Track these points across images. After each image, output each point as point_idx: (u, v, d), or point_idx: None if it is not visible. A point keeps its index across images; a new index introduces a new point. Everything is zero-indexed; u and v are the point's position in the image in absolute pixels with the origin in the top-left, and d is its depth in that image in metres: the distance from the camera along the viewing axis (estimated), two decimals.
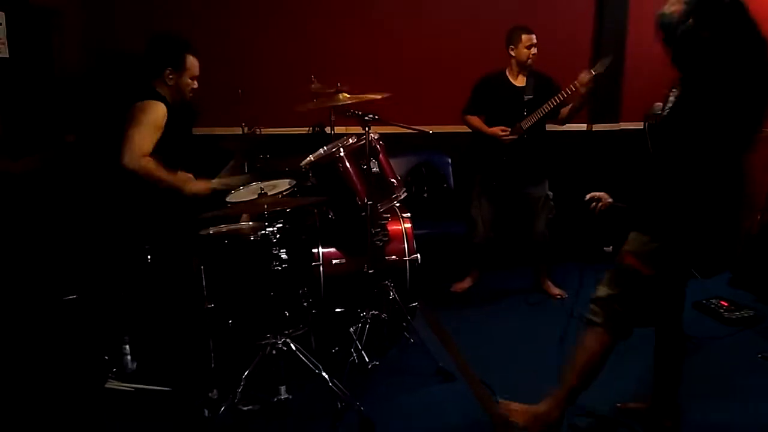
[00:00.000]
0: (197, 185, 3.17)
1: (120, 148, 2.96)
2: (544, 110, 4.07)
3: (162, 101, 3.07)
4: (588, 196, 2.97)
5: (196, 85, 3.20)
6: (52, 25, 4.03)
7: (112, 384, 3.10)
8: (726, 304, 4.08)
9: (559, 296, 4.47)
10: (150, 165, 3.00)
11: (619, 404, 2.99)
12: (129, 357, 3.21)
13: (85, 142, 4.12)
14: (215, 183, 3.25)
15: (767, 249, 4.31)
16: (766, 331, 3.83)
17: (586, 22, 5.08)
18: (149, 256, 3.09)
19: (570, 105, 4.10)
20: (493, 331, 3.95)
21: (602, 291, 2.57)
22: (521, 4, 4.88)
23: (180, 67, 3.11)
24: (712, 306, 4.07)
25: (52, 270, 3.51)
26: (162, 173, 3.03)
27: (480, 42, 4.83)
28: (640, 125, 4.90)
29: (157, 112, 3.02)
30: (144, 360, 3.22)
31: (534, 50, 4.13)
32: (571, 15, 5.04)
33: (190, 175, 3.18)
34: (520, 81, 4.24)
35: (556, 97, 4.02)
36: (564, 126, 4.32)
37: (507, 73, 4.26)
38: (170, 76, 3.10)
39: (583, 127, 5.12)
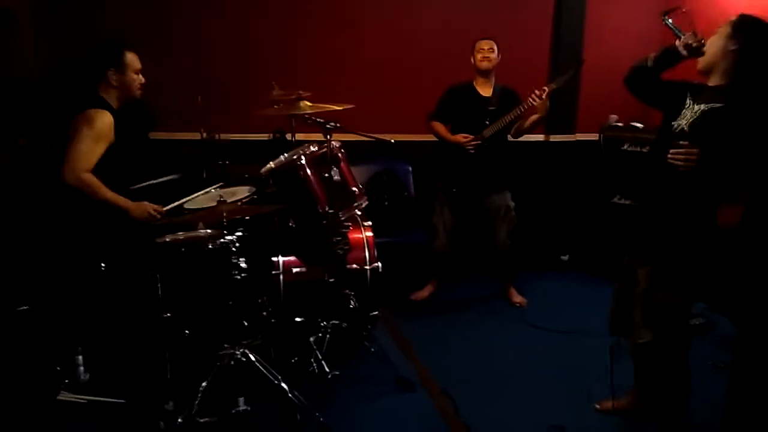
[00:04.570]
0: (143, 208, 3.06)
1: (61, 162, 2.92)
2: (504, 120, 4.15)
3: (106, 108, 3.01)
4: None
5: (143, 79, 3.14)
6: (7, 26, 3.91)
7: (65, 396, 3.01)
8: None
9: (519, 304, 4.51)
10: (90, 180, 2.95)
11: (597, 405, 3.05)
12: (82, 368, 3.11)
13: (37, 146, 4.00)
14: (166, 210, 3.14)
15: (719, 258, 4.42)
16: (718, 339, 3.93)
17: (543, 38, 5.19)
18: (103, 264, 3.01)
19: (525, 120, 4.20)
20: (453, 340, 3.97)
21: (646, 335, 2.64)
22: (481, 20, 4.92)
23: (121, 66, 3.06)
24: None
25: (3, 280, 3.39)
26: (103, 191, 2.98)
27: (441, 53, 4.88)
28: (595, 136, 5.06)
29: (101, 122, 2.96)
30: (97, 371, 3.13)
31: (485, 53, 4.21)
32: (529, 31, 5.14)
33: (144, 203, 3.10)
34: (486, 91, 4.31)
35: (517, 109, 4.11)
36: (521, 137, 4.39)
37: (474, 84, 4.34)
38: (114, 77, 3.05)
39: (541, 137, 5.21)
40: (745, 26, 2.42)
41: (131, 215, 3.04)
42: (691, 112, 2.50)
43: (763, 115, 2.39)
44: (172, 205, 3.18)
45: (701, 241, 2.56)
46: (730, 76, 2.46)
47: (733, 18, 2.46)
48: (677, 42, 2.54)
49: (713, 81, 2.52)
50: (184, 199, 3.23)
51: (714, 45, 2.47)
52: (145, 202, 3.09)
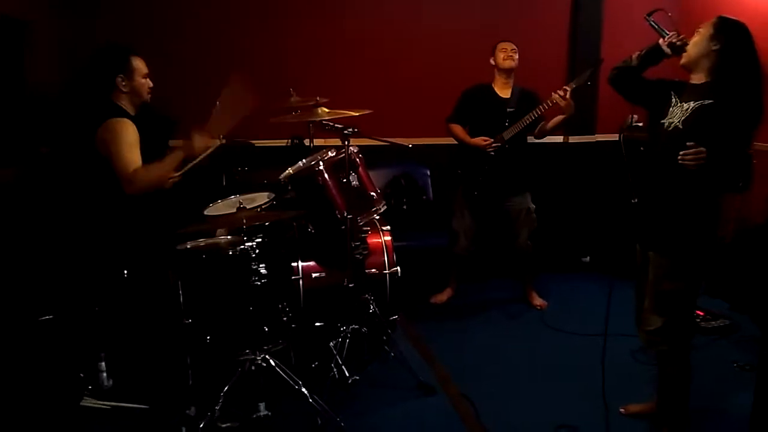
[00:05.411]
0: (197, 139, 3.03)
1: (111, 185, 2.95)
2: (524, 122, 4.13)
3: (125, 116, 3.04)
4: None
5: (150, 83, 3.16)
6: (25, 37, 3.97)
7: (88, 402, 3.05)
8: (702, 313, 4.11)
9: (539, 307, 4.49)
10: (143, 175, 2.94)
11: (622, 409, 3.07)
12: (105, 374, 3.16)
13: (59, 155, 4.06)
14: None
15: (741, 258, 4.37)
16: (741, 340, 3.89)
17: (561, 39, 5.17)
18: (126, 271, 3.04)
19: (548, 120, 4.18)
20: (473, 343, 3.95)
21: (655, 321, 2.70)
22: (498, 20, 4.95)
23: (129, 71, 3.08)
24: None
25: (27, 289, 3.44)
26: (163, 168, 2.99)
27: (458, 56, 4.88)
28: (615, 137, 5.01)
29: (126, 131, 2.98)
30: (120, 377, 3.17)
31: (509, 53, 4.20)
32: (547, 33, 5.12)
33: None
34: (505, 93, 4.28)
35: (536, 110, 4.08)
36: (543, 139, 4.38)
37: (493, 85, 4.32)
38: (123, 83, 3.07)
39: (560, 139, 5.18)
40: (725, 28, 2.53)
41: (195, 151, 3.03)
42: (680, 110, 2.59)
43: (749, 108, 2.49)
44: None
45: (705, 229, 2.63)
46: (712, 74, 2.57)
47: (714, 20, 2.57)
48: (660, 41, 2.68)
49: (696, 79, 2.62)
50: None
51: (697, 45, 2.57)
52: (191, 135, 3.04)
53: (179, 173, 3.14)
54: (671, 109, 2.63)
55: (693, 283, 2.70)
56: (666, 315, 2.68)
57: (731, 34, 2.52)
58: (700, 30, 2.58)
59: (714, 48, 2.52)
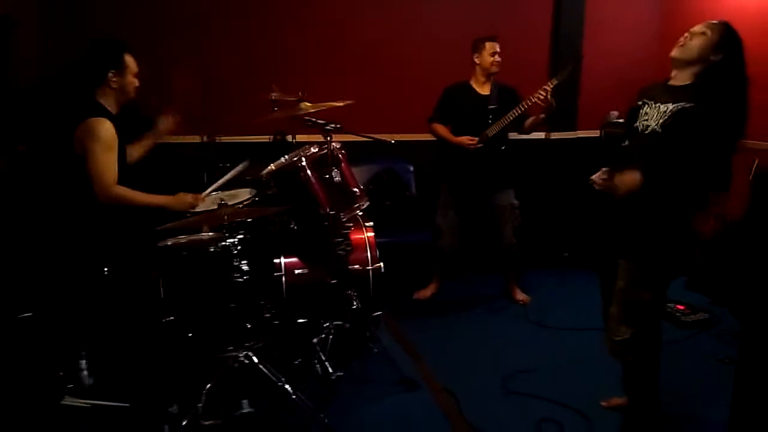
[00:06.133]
0: (182, 199, 3.10)
1: (90, 183, 2.94)
2: (508, 118, 4.12)
3: (105, 115, 3.01)
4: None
5: (137, 82, 3.15)
6: (8, 32, 3.91)
7: (69, 400, 3.01)
8: (682, 307, 4.16)
9: (522, 302, 4.51)
10: (122, 193, 2.96)
11: (603, 402, 3.09)
12: (86, 372, 3.11)
13: (36, 153, 4.01)
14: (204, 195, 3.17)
15: (721, 253, 4.42)
16: (722, 333, 3.93)
17: (543, 35, 5.19)
18: (106, 269, 3.01)
19: (534, 116, 4.17)
20: (456, 339, 3.97)
21: (624, 332, 2.66)
22: (481, 17, 4.95)
23: (121, 68, 3.07)
24: (669, 310, 4.15)
25: (6, 286, 3.39)
26: (138, 197, 3.00)
27: (441, 51, 4.88)
28: (596, 133, 5.05)
29: (104, 132, 2.95)
30: (101, 375, 3.13)
31: (497, 57, 4.18)
32: (529, 28, 5.15)
33: (180, 194, 3.12)
34: (484, 90, 4.28)
35: (519, 106, 4.08)
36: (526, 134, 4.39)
37: (472, 83, 4.30)
38: (114, 79, 3.05)
39: (542, 135, 5.20)
40: (730, 42, 2.45)
41: (172, 209, 3.05)
42: (657, 112, 2.51)
43: (733, 118, 2.43)
44: (209, 191, 3.20)
45: (681, 238, 2.58)
46: (698, 79, 2.49)
47: (722, 28, 2.47)
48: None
49: (678, 79, 2.55)
50: (217, 183, 3.25)
51: (700, 48, 2.47)
52: (181, 193, 3.10)
53: None
54: (642, 111, 2.58)
55: (662, 293, 2.68)
56: (635, 326, 2.64)
57: (733, 49, 2.45)
58: (707, 32, 2.46)
59: (713, 58, 2.45)
